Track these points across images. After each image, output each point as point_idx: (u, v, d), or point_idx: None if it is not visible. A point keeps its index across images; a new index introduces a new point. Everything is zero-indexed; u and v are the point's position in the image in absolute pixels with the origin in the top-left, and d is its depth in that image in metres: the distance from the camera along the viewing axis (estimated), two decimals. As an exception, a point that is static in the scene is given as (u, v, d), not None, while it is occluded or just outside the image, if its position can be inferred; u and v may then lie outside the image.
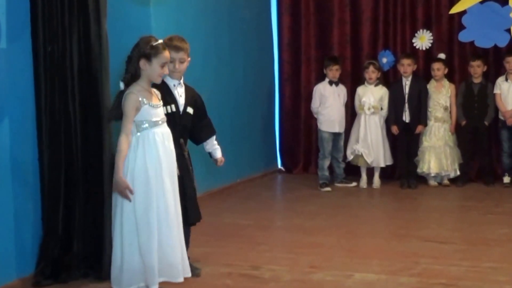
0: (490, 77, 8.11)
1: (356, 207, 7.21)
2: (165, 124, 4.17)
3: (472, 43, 8.15)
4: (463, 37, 8.18)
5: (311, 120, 8.80)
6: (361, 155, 8.04)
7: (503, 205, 7.00)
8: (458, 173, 8.07)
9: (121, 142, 3.94)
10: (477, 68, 7.97)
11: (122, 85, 4.08)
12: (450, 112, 8.10)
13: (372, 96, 8.03)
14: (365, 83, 8.13)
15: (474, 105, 8.02)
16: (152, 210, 3.99)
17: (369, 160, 8.01)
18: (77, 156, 4.63)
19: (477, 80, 8.01)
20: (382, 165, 8.07)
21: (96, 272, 4.63)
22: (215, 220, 6.50)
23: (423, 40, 8.52)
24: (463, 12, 8.16)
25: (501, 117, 7.96)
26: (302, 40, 9.09)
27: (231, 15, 8.14)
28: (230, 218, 6.67)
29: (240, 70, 8.36)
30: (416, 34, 8.55)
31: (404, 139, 8.08)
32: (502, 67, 7.99)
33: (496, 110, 7.98)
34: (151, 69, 4.05)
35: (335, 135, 8.22)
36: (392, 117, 8.05)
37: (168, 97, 4.50)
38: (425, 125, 8.01)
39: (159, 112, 4.14)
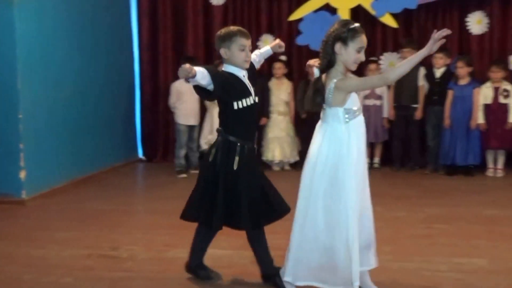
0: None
1: (208, 191, 7.23)
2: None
3: (307, 46, 8.42)
4: (300, 41, 8.43)
5: (168, 114, 8.73)
6: (214, 144, 8.07)
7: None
8: (298, 158, 8.29)
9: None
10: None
11: (317, 72, 3.52)
12: (290, 106, 8.30)
13: (222, 92, 8.06)
14: (215, 80, 8.15)
15: (312, 100, 8.25)
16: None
17: (222, 148, 8.05)
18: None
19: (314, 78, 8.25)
20: (233, 152, 8.15)
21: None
22: (78, 206, 6.35)
23: (266, 43, 8.66)
24: (300, 19, 8.42)
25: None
26: (160, 42, 9.01)
27: (93, 17, 7.94)
28: (92, 204, 6.48)
29: (102, 68, 8.17)
30: (260, 38, 8.71)
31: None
32: (333, 67, 8.23)
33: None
34: (347, 54, 3.43)
35: (190, 127, 8.22)
36: (240, 111, 8.11)
37: (244, 89, 3.83)
38: (268, 117, 8.16)
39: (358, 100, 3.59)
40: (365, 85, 3.87)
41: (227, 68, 3.85)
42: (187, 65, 3.50)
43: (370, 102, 8.14)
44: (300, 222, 3.61)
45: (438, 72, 7.83)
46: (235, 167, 3.80)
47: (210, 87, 3.66)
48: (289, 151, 8.26)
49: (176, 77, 8.27)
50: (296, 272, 3.66)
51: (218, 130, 3.90)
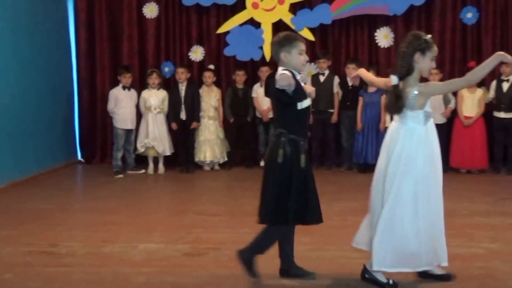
0: (250, 84, 8.39)
1: (144, 190, 7.10)
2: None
3: (234, 56, 8.44)
4: (227, 52, 8.45)
5: (106, 118, 8.57)
6: (151, 147, 7.97)
7: (259, 184, 7.21)
8: (226, 159, 8.29)
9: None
10: (242, 77, 8.24)
11: (396, 80, 3.59)
12: (219, 111, 8.28)
13: (156, 98, 7.99)
14: (149, 87, 8.06)
15: (239, 106, 8.27)
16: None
17: (159, 150, 7.98)
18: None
19: (240, 86, 8.28)
20: (168, 153, 8.09)
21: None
22: (18, 206, 6.13)
23: (197, 53, 8.65)
24: (227, 32, 8.43)
25: (258, 115, 8.28)
26: (97, 51, 8.80)
27: (31, 27, 7.75)
28: (33, 204, 6.25)
29: (41, 75, 7.96)
30: (191, 49, 8.66)
31: (181, 133, 8.13)
32: (257, 75, 8.29)
33: (255, 109, 8.29)
34: (424, 62, 3.56)
35: (127, 131, 8.09)
36: (172, 116, 8.06)
37: (304, 90, 3.74)
38: (199, 121, 8.12)
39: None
40: (449, 88, 4.05)
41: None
42: (290, 74, 3.55)
43: (291, 107, 8.20)
44: (388, 217, 3.59)
45: (351, 81, 7.99)
46: (302, 165, 3.73)
47: (290, 90, 3.60)
48: (219, 152, 8.24)
49: (114, 84, 8.19)
50: (384, 261, 3.63)
51: (278, 132, 3.74)
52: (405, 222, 3.56)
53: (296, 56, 3.71)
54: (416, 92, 3.55)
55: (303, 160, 3.73)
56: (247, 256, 3.89)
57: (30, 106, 7.62)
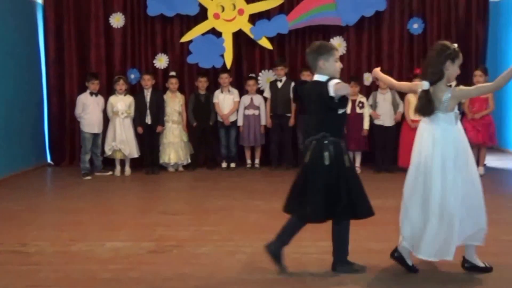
0: (212, 90, 8.40)
1: (111, 191, 7.03)
2: None
3: (197, 64, 8.44)
4: (190, 59, 8.46)
5: (74, 123, 8.45)
6: (119, 150, 7.90)
7: (221, 184, 7.31)
8: (190, 161, 8.28)
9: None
10: (204, 83, 8.24)
11: (427, 85, 3.72)
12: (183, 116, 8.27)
13: (123, 103, 7.93)
14: (116, 93, 7.99)
15: (201, 111, 8.26)
16: None
17: (126, 153, 7.90)
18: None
19: (202, 92, 8.28)
20: (135, 156, 8.03)
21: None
22: (-11, 208, 5.99)
23: (161, 61, 8.62)
24: (190, 41, 8.43)
25: (219, 119, 8.29)
26: (65, 59, 8.68)
27: (1, 36, 7.59)
28: (3, 205, 6.15)
29: (11, 82, 7.84)
30: (156, 57, 8.62)
31: (147, 137, 8.08)
32: (218, 82, 8.31)
33: (216, 114, 8.30)
34: (453, 69, 3.75)
35: (95, 135, 7.99)
36: (138, 120, 8.01)
37: (347, 98, 3.89)
38: (163, 125, 8.09)
39: None
40: (480, 91, 4.19)
41: (321, 77, 3.83)
42: (346, 83, 3.73)
43: (250, 112, 8.26)
44: (438, 212, 3.71)
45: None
46: (347, 165, 3.82)
47: (338, 97, 3.73)
48: (183, 154, 8.22)
49: (82, 90, 8.09)
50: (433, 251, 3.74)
51: (321, 135, 3.79)
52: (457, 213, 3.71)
53: (333, 63, 3.84)
54: (449, 95, 3.72)
55: (347, 160, 3.84)
56: (343, 259, 3.95)
57: (0, 112, 7.49)
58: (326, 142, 3.78)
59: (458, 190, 3.70)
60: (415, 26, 8.51)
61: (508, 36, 9.25)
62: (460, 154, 3.75)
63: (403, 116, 7.87)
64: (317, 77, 3.86)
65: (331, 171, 3.77)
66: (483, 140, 7.53)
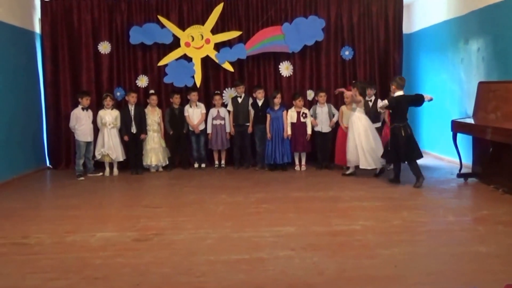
0: (184, 104, 8.21)
1: (101, 190, 6.79)
2: None
3: (172, 83, 8.27)
4: (166, 80, 8.28)
5: (69, 133, 8.13)
6: (107, 154, 7.66)
7: (193, 181, 7.15)
8: (168, 162, 8.10)
9: None
10: (177, 99, 8.08)
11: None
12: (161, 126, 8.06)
13: (111, 116, 7.69)
14: (104, 108, 7.75)
15: (176, 122, 8.09)
16: None
17: (113, 157, 7.66)
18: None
19: (176, 106, 8.12)
20: (121, 159, 7.79)
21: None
22: (-5, 206, 5.69)
23: (142, 81, 8.41)
24: (166, 65, 8.26)
25: (191, 129, 8.15)
26: (60, 80, 8.35)
27: (5, 61, 7.25)
28: (7, 204, 5.85)
29: (14, 100, 7.50)
30: (138, 77, 8.41)
31: (132, 143, 7.85)
32: (187, 99, 8.16)
33: (188, 124, 8.14)
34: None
35: (87, 143, 7.72)
36: (124, 130, 7.78)
37: None
38: (146, 134, 7.89)
39: None
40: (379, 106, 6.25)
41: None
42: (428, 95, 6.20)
43: (217, 122, 8.14)
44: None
45: (260, 102, 8.02)
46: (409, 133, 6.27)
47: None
48: (162, 157, 8.02)
49: (75, 106, 7.80)
50: None
51: (406, 123, 6.26)
52: None
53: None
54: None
55: (410, 131, 6.32)
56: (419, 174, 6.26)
57: (3, 125, 7.17)
58: (403, 125, 6.28)
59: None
60: (347, 53, 8.57)
61: (419, 60, 9.45)
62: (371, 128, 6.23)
63: (338, 123, 7.91)
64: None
65: (407, 137, 6.24)
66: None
